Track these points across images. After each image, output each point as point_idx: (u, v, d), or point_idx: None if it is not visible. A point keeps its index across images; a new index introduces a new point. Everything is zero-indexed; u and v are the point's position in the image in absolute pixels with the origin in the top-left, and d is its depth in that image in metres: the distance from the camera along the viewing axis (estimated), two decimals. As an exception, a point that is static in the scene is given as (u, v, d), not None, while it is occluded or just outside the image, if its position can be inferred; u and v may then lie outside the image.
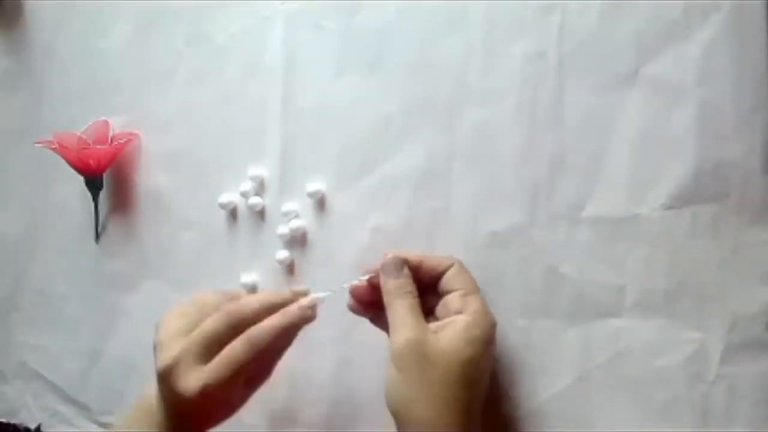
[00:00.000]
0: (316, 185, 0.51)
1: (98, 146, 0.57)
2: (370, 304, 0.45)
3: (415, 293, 0.42)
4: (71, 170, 0.58)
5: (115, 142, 0.57)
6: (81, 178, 0.59)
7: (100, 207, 0.59)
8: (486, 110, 0.46)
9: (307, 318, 0.43)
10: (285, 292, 0.45)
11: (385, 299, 0.42)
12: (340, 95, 0.51)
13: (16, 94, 0.65)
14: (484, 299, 0.42)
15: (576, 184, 0.44)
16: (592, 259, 0.44)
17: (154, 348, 0.43)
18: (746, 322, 0.41)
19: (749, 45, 0.41)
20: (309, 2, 0.52)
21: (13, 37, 0.65)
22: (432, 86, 0.48)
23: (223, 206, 0.54)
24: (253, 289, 0.53)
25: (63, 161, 0.58)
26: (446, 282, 0.42)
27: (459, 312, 0.41)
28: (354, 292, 0.45)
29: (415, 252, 0.44)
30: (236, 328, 0.42)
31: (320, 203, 0.51)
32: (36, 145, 0.58)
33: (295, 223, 0.51)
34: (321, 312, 0.48)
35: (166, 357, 0.41)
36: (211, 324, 0.42)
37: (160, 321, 0.44)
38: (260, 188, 0.53)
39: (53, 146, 0.57)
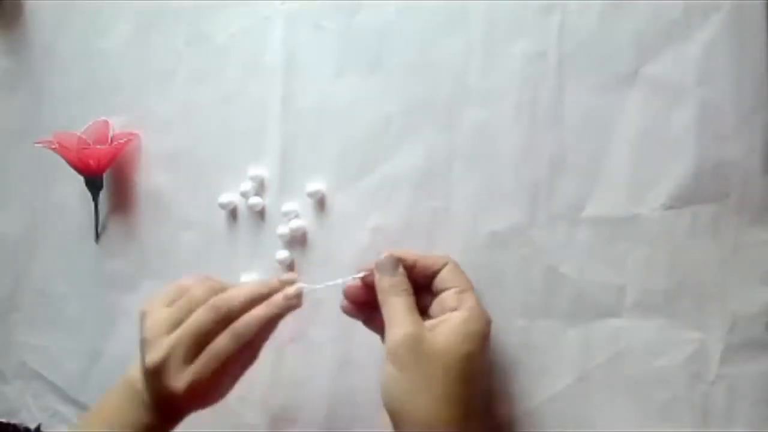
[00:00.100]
0: (316, 185, 0.51)
1: (98, 146, 0.57)
2: (364, 305, 0.45)
3: (411, 291, 0.42)
4: (71, 170, 0.58)
5: (115, 142, 0.57)
6: (81, 178, 0.59)
7: (100, 207, 0.59)
8: (486, 110, 0.46)
9: (292, 307, 0.44)
10: (272, 280, 0.45)
11: (380, 297, 0.42)
12: (340, 95, 0.51)
13: (16, 94, 0.65)
14: (478, 297, 0.42)
15: (576, 184, 0.44)
16: (592, 259, 0.44)
17: (141, 343, 0.43)
18: (746, 322, 0.41)
19: (749, 45, 0.41)
20: (309, 2, 0.52)
21: (13, 37, 0.65)
22: (432, 86, 0.48)
23: (223, 206, 0.54)
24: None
25: (63, 161, 0.58)
26: (441, 280, 0.42)
27: (454, 309, 0.41)
28: (347, 293, 0.45)
29: (409, 251, 0.43)
30: (223, 321, 0.42)
31: (320, 203, 0.51)
32: (36, 145, 0.58)
33: (295, 223, 0.51)
34: (321, 312, 0.48)
35: (155, 356, 0.42)
36: (197, 320, 0.42)
37: (145, 312, 0.44)
38: (260, 188, 0.53)
39: (53, 146, 0.57)
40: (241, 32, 0.54)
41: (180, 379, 0.41)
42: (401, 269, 0.42)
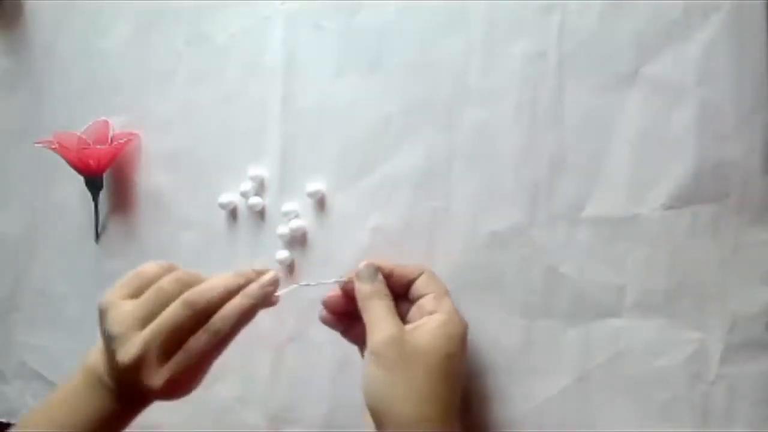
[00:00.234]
0: (316, 185, 0.51)
1: (98, 146, 0.57)
2: (343, 315, 0.46)
3: (391, 297, 0.43)
4: (71, 170, 0.58)
5: (115, 142, 0.57)
6: (81, 178, 0.59)
7: (100, 207, 0.59)
8: (486, 110, 0.46)
9: (268, 301, 0.43)
10: (247, 270, 0.44)
11: (361, 303, 0.43)
12: (340, 95, 0.51)
13: (16, 94, 0.65)
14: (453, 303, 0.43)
15: (576, 184, 0.44)
16: (592, 259, 0.44)
17: (108, 336, 0.41)
18: (746, 322, 0.41)
19: (749, 45, 0.41)
20: (309, 2, 0.52)
21: (13, 37, 0.65)
22: (432, 86, 0.48)
23: (223, 206, 0.54)
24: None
25: (63, 161, 0.58)
26: (418, 287, 0.44)
27: (433, 312, 0.42)
28: (327, 304, 0.46)
29: (386, 261, 0.44)
30: (198, 317, 0.41)
31: (320, 203, 0.51)
32: (36, 145, 0.58)
33: (295, 223, 0.51)
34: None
35: (129, 353, 0.40)
36: (173, 317, 0.41)
37: (107, 304, 0.42)
38: (260, 188, 0.53)
39: (53, 146, 0.57)
40: (241, 32, 0.54)
41: (156, 377, 0.40)
42: (380, 276, 0.44)
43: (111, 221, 0.60)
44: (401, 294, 0.44)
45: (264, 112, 0.53)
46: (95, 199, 0.59)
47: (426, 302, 0.43)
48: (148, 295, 0.42)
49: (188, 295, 0.41)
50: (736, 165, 0.41)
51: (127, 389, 0.42)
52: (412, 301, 0.44)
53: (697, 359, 0.41)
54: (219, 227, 0.55)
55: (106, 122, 0.59)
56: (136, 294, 0.43)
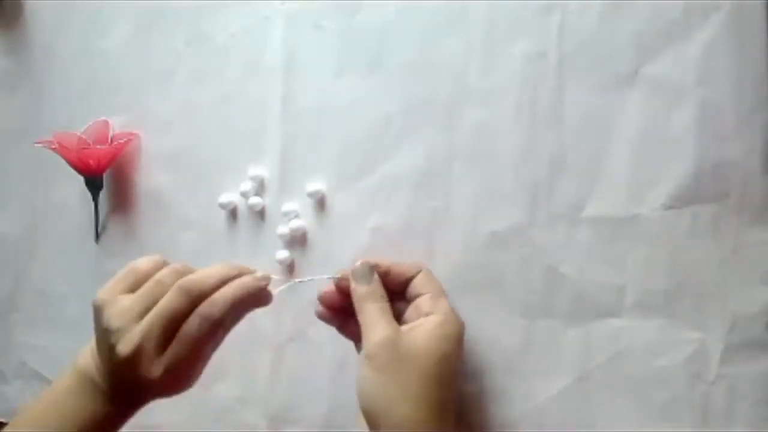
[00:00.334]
0: (316, 185, 0.51)
1: (98, 146, 0.57)
2: (339, 311, 0.45)
3: (386, 298, 0.43)
4: (71, 170, 0.58)
5: (115, 142, 0.57)
6: (81, 178, 0.59)
7: (100, 207, 0.59)
8: (486, 110, 0.46)
9: (262, 297, 0.42)
10: (243, 265, 0.43)
11: (357, 304, 0.43)
12: (340, 95, 0.51)
13: (16, 94, 0.65)
14: (450, 303, 0.43)
15: (576, 184, 0.44)
16: (592, 259, 0.44)
17: (106, 333, 0.41)
18: (746, 322, 0.41)
19: (749, 45, 0.41)
20: (309, 2, 0.52)
21: (13, 37, 0.65)
22: (432, 86, 0.48)
23: (223, 206, 0.54)
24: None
25: (63, 161, 0.58)
26: (415, 287, 0.43)
27: (429, 313, 0.41)
28: (323, 299, 0.46)
29: (382, 259, 0.44)
30: (194, 304, 0.40)
31: (320, 203, 0.51)
32: (36, 145, 0.58)
33: (295, 223, 0.51)
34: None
35: (128, 345, 0.40)
36: (168, 304, 0.40)
37: (103, 302, 0.42)
38: (260, 188, 0.53)
39: (53, 146, 0.57)
40: (241, 32, 0.54)
41: (155, 367, 0.39)
42: (376, 276, 0.43)
43: (111, 221, 0.60)
44: (398, 292, 0.44)
45: (264, 112, 0.53)
46: (95, 199, 0.59)
47: (422, 302, 0.42)
48: (147, 287, 0.42)
49: (183, 281, 0.41)
50: (736, 165, 0.41)
51: (122, 388, 0.42)
52: (408, 300, 0.44)
53: (697, 359, 0.41)
54: (219, 227, 0.55)
55: (106, 122, 0.59)
56: (132, 289, 0.42)
